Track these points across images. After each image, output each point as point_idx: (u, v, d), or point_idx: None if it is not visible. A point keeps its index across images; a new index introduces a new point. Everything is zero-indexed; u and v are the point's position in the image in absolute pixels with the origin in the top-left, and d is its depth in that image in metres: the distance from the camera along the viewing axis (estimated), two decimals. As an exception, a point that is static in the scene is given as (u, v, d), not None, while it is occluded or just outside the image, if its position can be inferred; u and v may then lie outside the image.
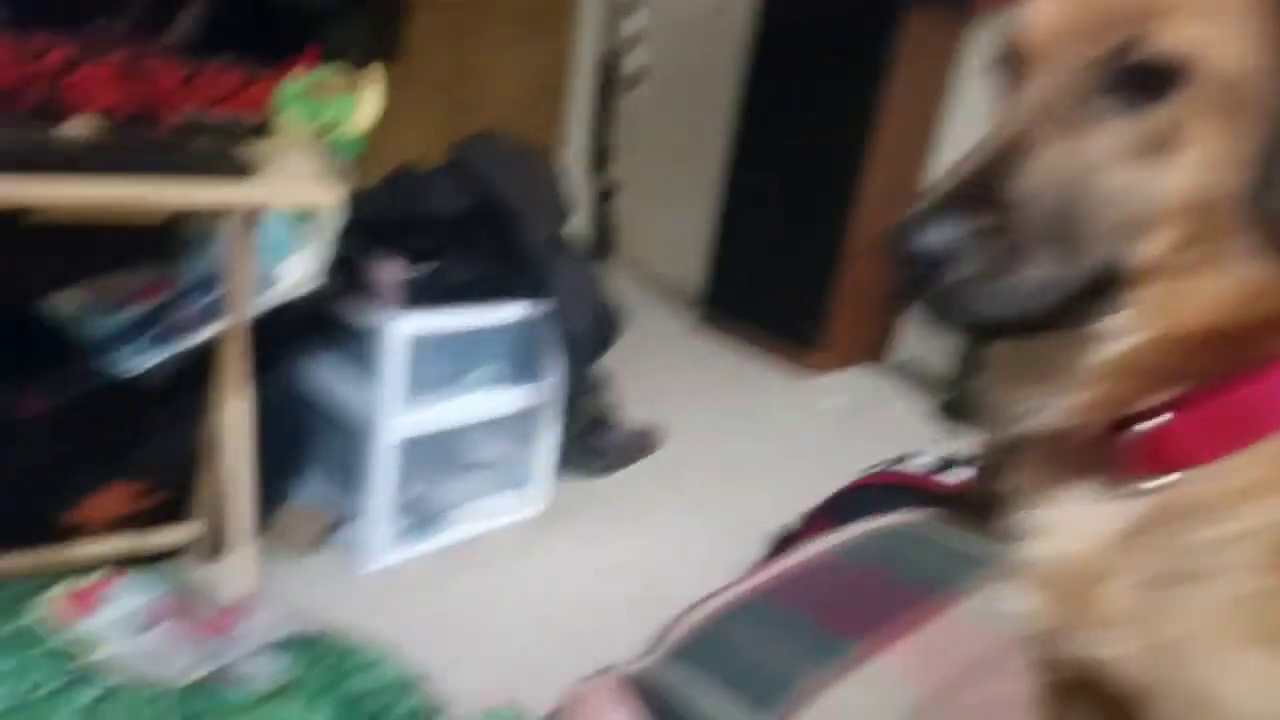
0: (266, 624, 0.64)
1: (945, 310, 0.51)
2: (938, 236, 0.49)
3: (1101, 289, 0.51)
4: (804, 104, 2.92)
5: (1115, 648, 0.56)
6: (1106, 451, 0.56)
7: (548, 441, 1.95)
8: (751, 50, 3.02)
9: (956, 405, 2.85)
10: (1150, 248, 0.51)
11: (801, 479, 2.25)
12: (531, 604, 1.67)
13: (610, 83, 3.84)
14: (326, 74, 1.74)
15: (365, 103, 1.74)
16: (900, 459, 1.86)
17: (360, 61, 1.84)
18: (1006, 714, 0.97)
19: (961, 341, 2.88)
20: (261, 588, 1.36)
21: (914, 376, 3.12)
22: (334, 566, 1.71)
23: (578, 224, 2.95)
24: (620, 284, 3.48)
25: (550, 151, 3.44)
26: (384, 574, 1.71)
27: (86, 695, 0.44)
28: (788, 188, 3.01)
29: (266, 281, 1.42)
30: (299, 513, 1.75)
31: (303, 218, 1.60)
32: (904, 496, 1.59)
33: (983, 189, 0.50)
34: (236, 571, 1.33)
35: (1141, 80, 0.49)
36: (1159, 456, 0.55)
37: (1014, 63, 0.55)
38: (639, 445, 2.28)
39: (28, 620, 0.46)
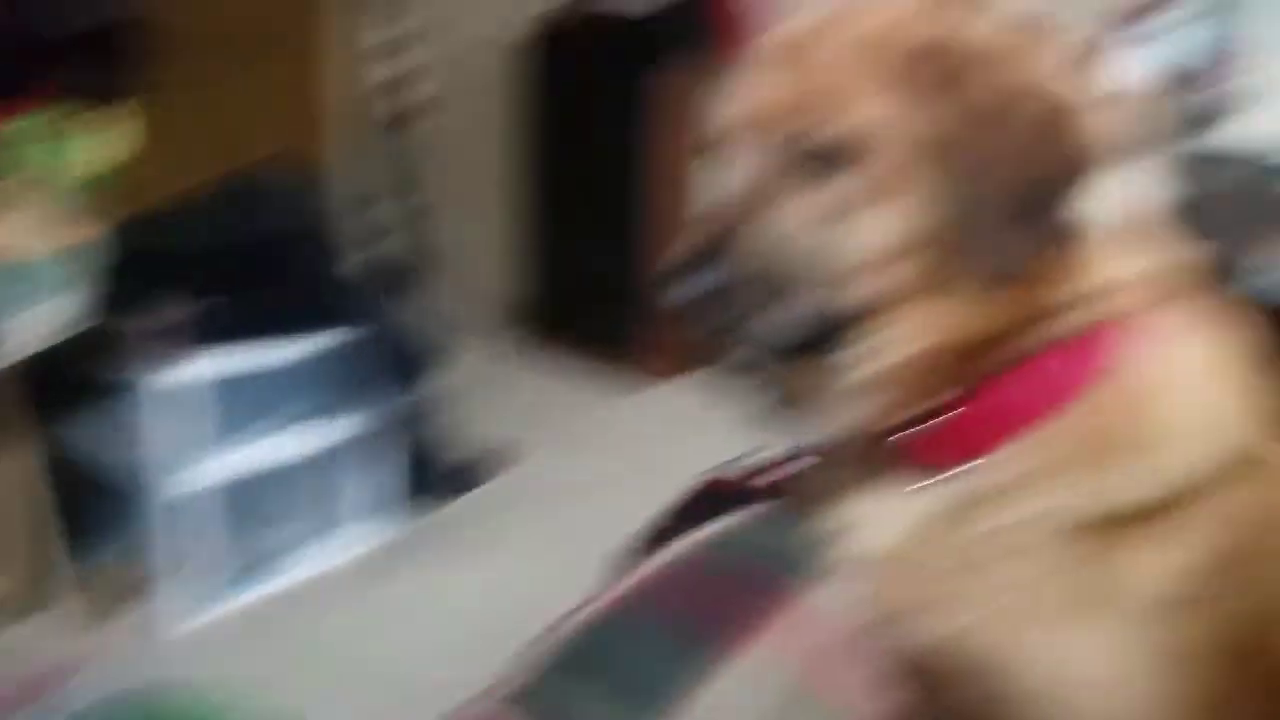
0: (79, 690, 0.54)
1: (726, 339, 0.62)
2: (693, 286, 0.60)
3: (841, 323, 0.59)
4: (582, 138, 3.10)
5: (932, 631, 0.61)
6: (895, 453, 0.62)
7: (382, 472, 1.89)
8: (528, 99, 3.21)
9: (775, 408, 2.94)
10: (862, 291, 0.58)
11: (643, 490, 2.23)
12: (378, 639, 1.62)
13: (401, 113, 3.77)
14: (64, 112, 1.58)
15: (111, 140, 1.59)
16: (728, 464, 1.86)
17: (103, 98, 1.68)
18: (869, 694, 0.99)
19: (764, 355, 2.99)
20: (76, 648, 1.35)
21: (739, 383, 3.18)
22: (153, 623, 1.64)
23: (386, 250, 2.89)
24: (437, 307, 3.39)
25: (322, 183, 3.34)
26: (211, 626, 1.64)
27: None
28: (587, 214, 3.12)
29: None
30: (112, 570, 1.66)
31: (48, 265, 1.43)
32: (729, 499, 1.60)
33: (716, 248, 0.59)
34: (48, 632, 1.36)
35: (822, 157, 0.58)
36: (939, 454, 0.61)
37: (724, 139, 0.63)
38: (478, 469, 2.22)
39: None
